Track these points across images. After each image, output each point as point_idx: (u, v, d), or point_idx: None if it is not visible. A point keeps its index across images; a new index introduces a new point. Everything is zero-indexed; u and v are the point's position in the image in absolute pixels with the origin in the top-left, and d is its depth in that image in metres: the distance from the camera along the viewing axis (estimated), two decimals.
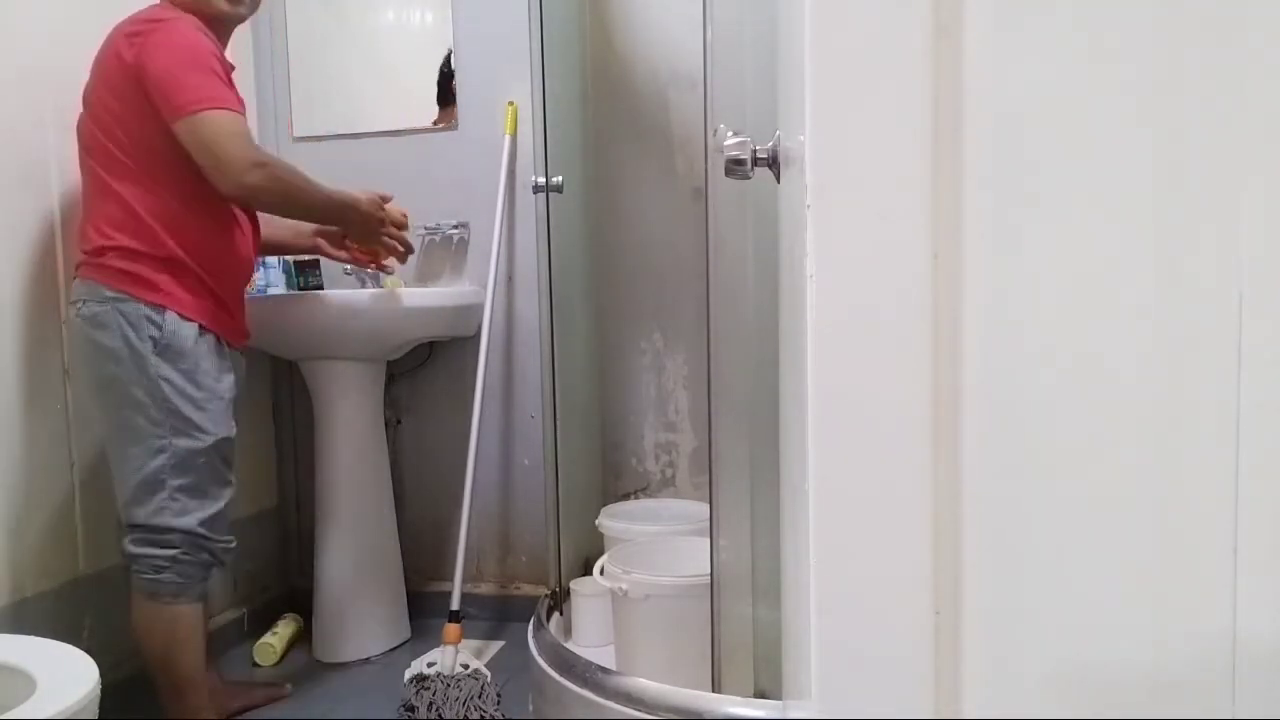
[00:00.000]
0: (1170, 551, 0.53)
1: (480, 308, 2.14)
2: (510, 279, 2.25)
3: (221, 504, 1.55)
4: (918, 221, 0.54)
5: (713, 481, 1.42)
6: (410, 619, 2.17)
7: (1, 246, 1.59)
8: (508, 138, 2.19)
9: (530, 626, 1.78)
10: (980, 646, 0.55)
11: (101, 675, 1.09)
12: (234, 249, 1.61)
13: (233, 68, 1.55)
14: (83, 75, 1.54)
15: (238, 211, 1.63)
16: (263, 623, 2.16)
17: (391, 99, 2.29)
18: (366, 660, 2.04)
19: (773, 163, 0.86)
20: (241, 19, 1.63)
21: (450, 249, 2.28)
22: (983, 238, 0.53)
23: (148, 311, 1.48)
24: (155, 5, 1.56)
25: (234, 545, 1.58)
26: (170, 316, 1.49)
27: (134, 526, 1.50)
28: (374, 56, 2.30)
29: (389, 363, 2.19)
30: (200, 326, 1.52)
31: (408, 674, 1.84)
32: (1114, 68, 0.52)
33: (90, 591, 1.72)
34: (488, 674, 1.83)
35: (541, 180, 1.81)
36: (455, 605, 1.93)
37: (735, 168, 0.87)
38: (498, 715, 1.71)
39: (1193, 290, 0.52)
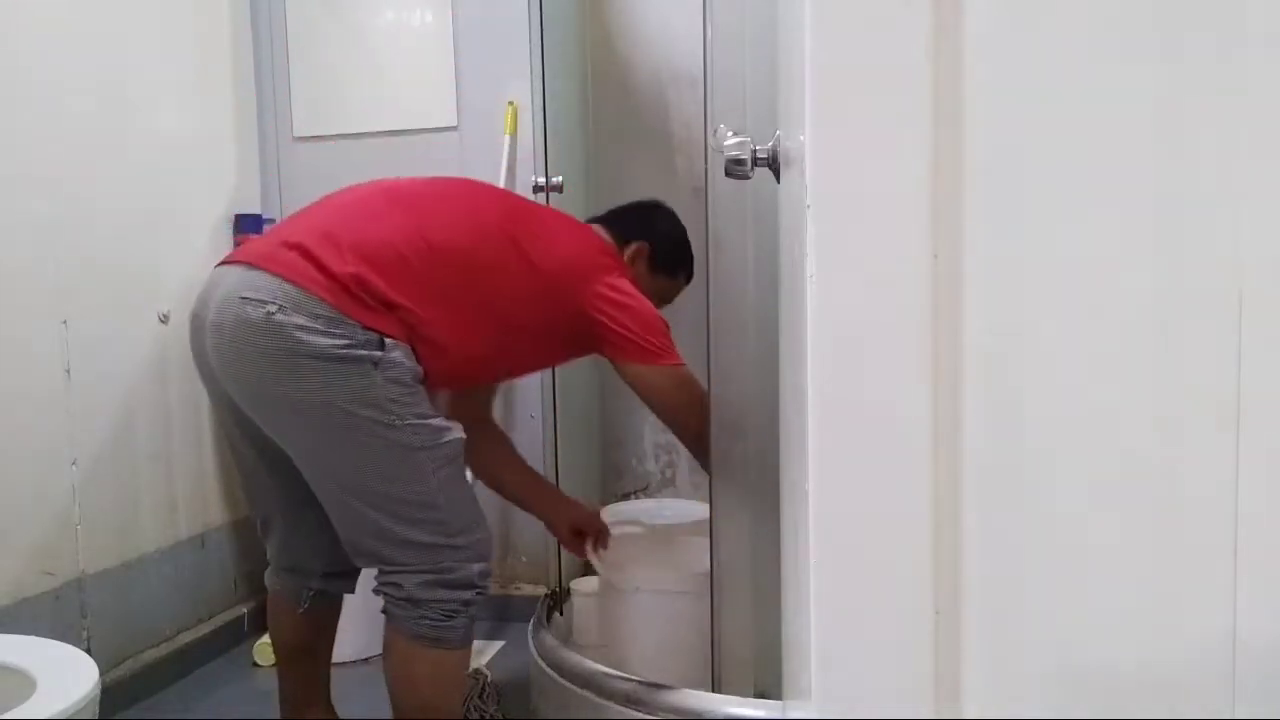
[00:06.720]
0: (1170, 551, 0.53)
1: None
2: None
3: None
4: (918, 221, 0.54)
5: (713, 481, 1.42)
6: None
7: (2, 247, 1.59)
8: (508, 138, 2.19)
9: (530, 626, 1.78)
10: (980, 646, 0.55)
11: (101, 675, 1.09)
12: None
13: None
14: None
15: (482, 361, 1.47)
16: (263, 623, 2.15)
17: (391, 99, 2.29)
18: (366, 660, 2.04)
19: (773, 163, 0.86)
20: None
21: None
22: (983, 238, 0.53)
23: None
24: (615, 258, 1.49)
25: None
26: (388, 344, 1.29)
27: (427, 572, 1.31)
28: (374, 56, 2.30)
29: None
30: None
31: None
32: (1114, 67, 0.52)
33: (90, 591, 1.72)
34: (488, 674, 1.83)
35: (541, 180, 1.81)
36: None
37: (735, 168, 0.87)
38: (498, 715, 1.71)
39: (1193, 290, 0.52)
